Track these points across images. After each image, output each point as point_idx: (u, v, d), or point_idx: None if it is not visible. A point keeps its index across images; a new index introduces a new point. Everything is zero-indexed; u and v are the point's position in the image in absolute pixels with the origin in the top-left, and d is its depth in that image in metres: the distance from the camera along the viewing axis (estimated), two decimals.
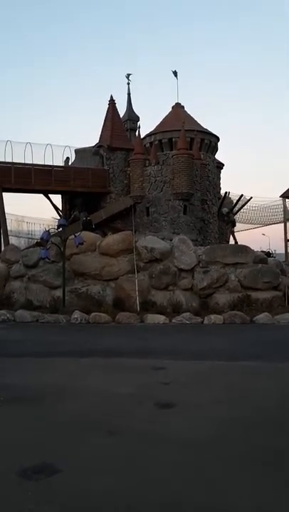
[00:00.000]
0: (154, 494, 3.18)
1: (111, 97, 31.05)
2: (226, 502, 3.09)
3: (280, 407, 5.19)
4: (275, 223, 43.12)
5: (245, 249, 15.92)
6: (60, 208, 29.82)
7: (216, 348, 9.12)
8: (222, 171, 33.15)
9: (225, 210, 24.86)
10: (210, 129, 29.37)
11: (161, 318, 13.41)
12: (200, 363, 7.73)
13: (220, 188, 31.91)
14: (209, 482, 3.37)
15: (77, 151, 30.25)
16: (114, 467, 3.61)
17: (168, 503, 3.06)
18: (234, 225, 25.14)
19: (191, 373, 6.94)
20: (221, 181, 32.34)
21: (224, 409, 5.06)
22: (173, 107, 30.54)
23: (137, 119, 35.48)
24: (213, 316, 13.47)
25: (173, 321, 13.32)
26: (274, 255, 25.40)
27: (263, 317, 13.38)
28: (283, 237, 41.31)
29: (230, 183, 63.13)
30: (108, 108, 30.87)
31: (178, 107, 30.32)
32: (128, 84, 36.00)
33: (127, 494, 3.18)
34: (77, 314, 13.64)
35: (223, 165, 33.31)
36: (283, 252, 39.91)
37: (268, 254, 22.11)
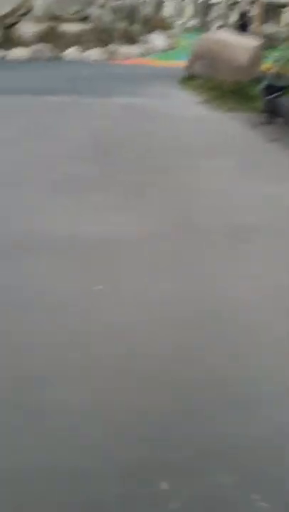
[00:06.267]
0: None
1: None
2: None
3: (86, 141, 5.22)
4: None
5: None
6: None
7: (21, 85, 8.43)
8: None
9: None
10: None
11: None
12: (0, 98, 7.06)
13: None
14: None
15: None
16: None
17: None
18: None
19: None
20: None
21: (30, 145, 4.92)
22: None
23: None
24: (17, 50, 12.12)
25: None
26: None
27: (71, 52, 12.53)
28: None
29: None
30: None
31: None
32: None
33: None
34: None
35: None
36: None
37: None
